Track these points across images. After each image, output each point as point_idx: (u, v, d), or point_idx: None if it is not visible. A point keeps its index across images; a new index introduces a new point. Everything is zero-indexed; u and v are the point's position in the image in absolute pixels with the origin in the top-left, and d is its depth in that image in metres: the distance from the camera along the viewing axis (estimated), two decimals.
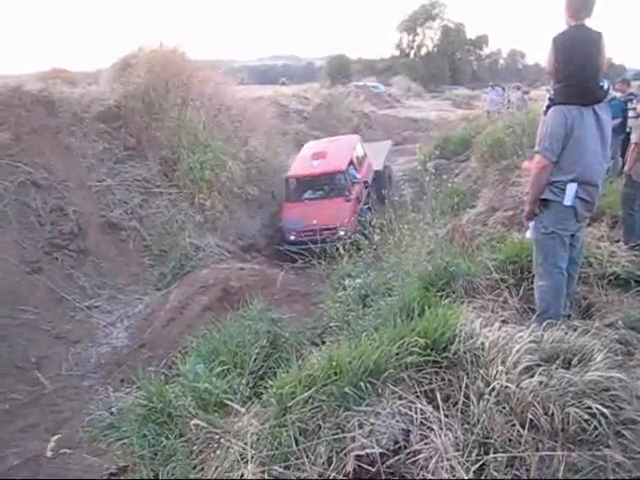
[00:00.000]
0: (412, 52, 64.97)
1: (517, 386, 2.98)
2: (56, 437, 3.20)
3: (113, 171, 11.46)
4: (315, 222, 11.71)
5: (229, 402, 3.33)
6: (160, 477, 3.07)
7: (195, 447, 3.18)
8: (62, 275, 9.18)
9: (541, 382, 3.02)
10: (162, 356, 6.98)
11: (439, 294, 4.34)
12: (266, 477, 2.74)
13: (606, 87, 3.90)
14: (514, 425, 2.90)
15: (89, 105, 12.25)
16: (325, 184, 13.08)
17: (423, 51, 64.79)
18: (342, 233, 10.36)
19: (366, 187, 13.40)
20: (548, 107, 3.91)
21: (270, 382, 3.26)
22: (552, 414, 2.90)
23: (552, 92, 3.90)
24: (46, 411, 6.56)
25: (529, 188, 4.07)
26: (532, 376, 3.04)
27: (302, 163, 13.92)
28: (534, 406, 2.92)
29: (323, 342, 4.61)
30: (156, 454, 3.23)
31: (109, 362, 7.79)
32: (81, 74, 16.23)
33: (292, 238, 12.11)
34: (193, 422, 3.22)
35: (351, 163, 13.41)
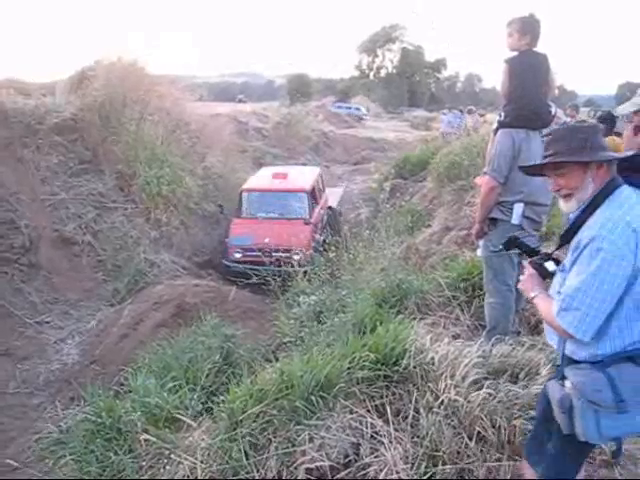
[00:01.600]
0: (372, 73, 66.01)
1: (465, 399, 3.05)
2: None
3: (67, 184, 11.24)
4: (267, 240, 10.47)
5: (180, 416, 3.29)
6: None
7: (144, 462, 3.14)
8: (11, 290, 8.93)
9: (489, 395, 3.10)
10: (114, 373, 6.83)
11: (392, 311, 4.41)
12: None
13: (554, 112, 4.06)
14: (462, 438, 2.97)
15: (44, 117, 12.01)
16: (284, 203, 11.72)
17: (382, 72, 65.91)
18: (297, 257, 9.61)
19: (324, 216, 12.26)
20: (497, 129, 4.05)
21: (222, 397, 3.24)
22: (499, 426, 2.98)
23: (502, 114, 4.04)
24: None
25: (479, 208, 4.19)
26: (480, 389, 3.12)
27: (260, 180, 12.74)
28: (481, 419, 3.00)
29: (276, 359, 4.60)
30: (104, 470, 3.17)
31: (59, 379, 7.57)
32: (35, 85, 15.92)
33: (237, 256, 10.68)
34: (143, 437, 3.18)
35: (313, 189, 12.18)
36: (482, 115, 23.10)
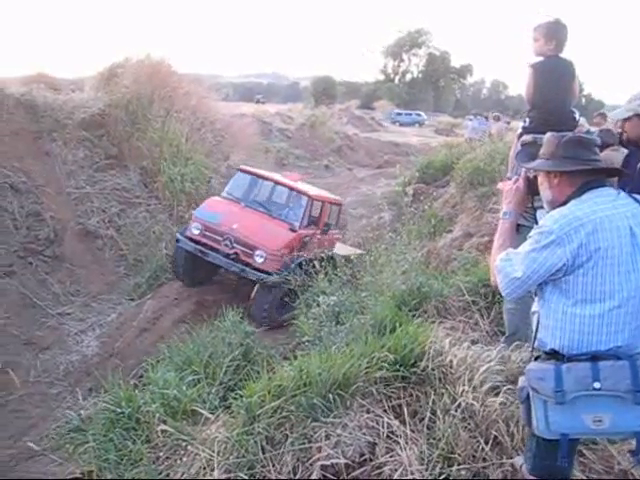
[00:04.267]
0: (397, 77, 65.86)
1: (482, 404, 3.05)
2: None
3: (93, 179, 11.42)
4: (235, 226, 8.83)
5: (198, 409, 3.34)
6: None
7: (162, 453, 3.18)
8: (35, 280, 9.09)
9: (506, 401, 3.10)
10: (133, 366, 6.94)
11: (411, 313, 4.41)
12: None
13: (577, 117, 4.04)
14: (478, 441, 2.97)
15: (72, 112, 12.22)
16: (279, 199, 10.06)
17: (407, 77, 65.75)
18: (259, 260, 8.45)
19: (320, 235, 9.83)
20: (521, 134, 4.03)
21: (240, 392, 3.28)
22: (514, 432, 2.98)
23: (527, 120, 4.02)
24: (11, 417, 6.46)
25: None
26: (497, 395, 3.12)
27: (267, 171, 11.07)
28: (498, 423, 3.00)
29: (295, 357, 4.63)
30: (122, 459, 3.22)
31: (78, 370, 7.69)
32: (65, 81, 16.14)
33: (195, 232, 9.03)
34: (160, 428, 3.22)
35: (319, 205, 10.12)
36: (507, 122, 22.94)
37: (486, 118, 21.86)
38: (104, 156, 12.00)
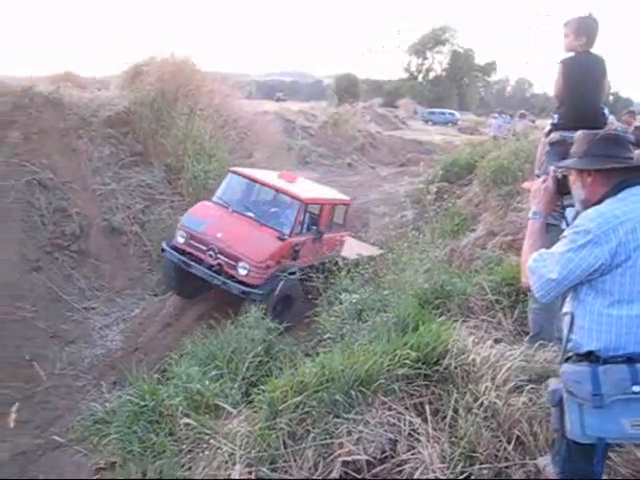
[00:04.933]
0: (420, 75, 65.46)
1: (505, 403, 3.03)
2: (16, 406, 3.21)
3: (118, 176, 11.55)
4: (219, 236, 8.14)
5: (221, 403, 3.37)
6: (148, 474, 3.10)
7: (184, 446, 3.22)
8: (61, 275, 9.23)
9: (529, 400, 3.08)
10: (155, 360, 7.02)
11: (434, 312, 4.40)
12: (253, 478, 2.77)
13: (607, 115, 3.98)
14: (500, 441, 2.96)
15: (98, 109, 12.39)
16: (269, 204, 9.15)
17: (431, 75, 65.29)
18: (243, 273, 7.78)
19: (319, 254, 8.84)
20: (550, 131, 3.98)
21: (262, 387, 3.30)
22: (538, 432, 2.96)
23: (556, 116, 3.96)
24: (38, 408, 6.58)
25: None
26: (521, 394, 3.10)
27: (262, 172, 10.04)
28: (521, 423, 2.98)
29: (317, 354, 4.65)
30: (145, 451, 3.26)
31: (102, 364, 7.81)
32: (91, 79, 16.36)
33: (180, 240, 8.46)
34: (183, 421, 3.26)
35: (315, 207, 9.46)
36: (533, 121, 22.72)
37: (511, 116, 21.71)
38: (129, 153, 12.13)
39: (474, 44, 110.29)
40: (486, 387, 3.09)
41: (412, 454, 2.89)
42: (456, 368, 3.23)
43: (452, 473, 2.79)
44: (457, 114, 46.40)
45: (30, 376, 7.01)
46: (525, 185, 5.52)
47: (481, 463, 2.85)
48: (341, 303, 5.64)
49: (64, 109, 11.68)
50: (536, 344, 3.69)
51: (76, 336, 8.33)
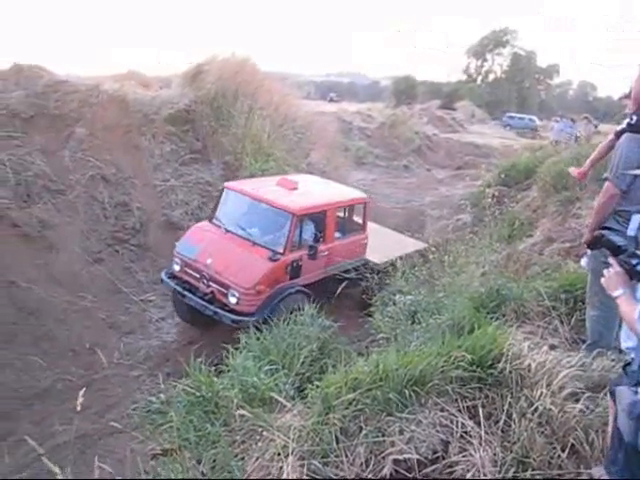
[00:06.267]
0: (479, 78, 64.47)
1: (560, 410, 3.00)
2: (82, 391, 3.32)
3: (177, 172, 11.83)
4: (209, 262, 7.57)
5: (276, 396, 3.43)
6: (203, 461, 3.19)
7: (238, 437, 3.30)
8: (121, 268, 9.52)
9: (585, 408, 3.03)
10: (209, 354, 7.16)
11: (489, 316, 4.37)
12: (305, 471, 2.83)
13: None
14: (554, 448, 2.93)
15: (160, 107, 12.70)
16: (261, 220, 8.20)
17: (490, 77, 64.22)
18: (233, 301, 7.21)
19: (311, 257, 7.85)
20: (622, 131, 3.81)
21: (317, 383, 3.35)
22: (593, 441, 2.91)
23: (634, 117, 3.78)
24: (96, 395, 6.82)
25: (593, 215, 4.00)
26: (577, 402, 3.06)
27: (259, 182, 9.29)
28: (576, 431, 2.94)
29: (369, 353, 4.67)
30: (200, 439, 3.36)
31: (157, 355, 8.02)
32: (154, 78, 16.78)
33: (176, 268, 8.06)
34: (238, 412, 3.34)
35: (313, 216, 8.36)
36: (596, 125, 22.09)
37: (572, 120, 21.15)
38: (189, 150, 12.40)
39: (536, 46, 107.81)
40: (541, 393, 3.07)
41: (463, 456, 2.89)
42: (511, 372, 3.20)
43: (504, 477, 2.78)
44: (537, 120, 43.61)
45: (90, 364, 7.28)
46: (571, 170, 5.42)
47: (533, 469, 2.83)
48: (395, 304, 5.65)
49: (128, 107, 12.03)
50: (594, 352, 3.63)
51: (133, 327, 8.59)
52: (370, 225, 10.21)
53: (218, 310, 7.26)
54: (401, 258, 8.34)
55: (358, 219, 9.55)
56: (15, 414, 6.40)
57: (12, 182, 8.98)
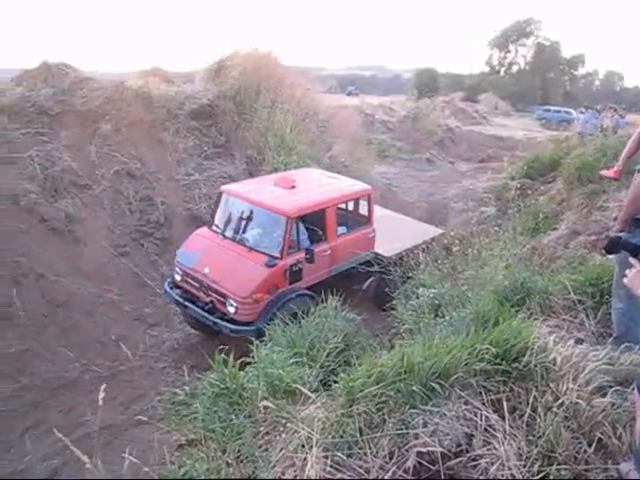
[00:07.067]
0: (502, 69, 63.69)
1: (587, 404, 2.97)
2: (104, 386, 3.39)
3: (201, 167, 11.95)
4: (207, 271, 7.43)
5: (300, 388, 3.45)
6: (227, 451, 3.23)
7: (262, 428, 3.33)
8: (146, 261, 9.67)
9: (613, 403, 3.00)
10: (232, 347, 7.22)
11: (513, 309, 4.34)
12: (329, 462, 2.84)
13: None
14: (581, 442, 2.90)
15: (183, 103, 12.84)
16: (257, 224, 7.95)
17: (514, 69, 63.41)
18: (232, 310, 7.07)
19: (309, 260, 7.56)
20: None
21: (341, 375, 3.36)
22: (621, 436, 2.88)
23: None
24: (122, 386, 6.96)
25: (625, 206, 3.94)
26: (604, 396, 3.03)
27: (256, 183, 8.97)
28: (604, 426, 2.91)
29: (392, 347, 4.68)
30: (225, 430, 3.39)
31: (182, 347, 8.15)
32: (177, 74, 16.91)
33: (177, 278, 7.97)
34: (262, 404, 3.37)
35: (312, 217, 7.98)
36: (622, 116, 21.72)
37: (598, 111, 20.83)
38: (212, 145, 12.53)
39: (560, 36, 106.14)
40: (567, 387, 3.04)
41: (487, 449, 2.88)
42: (536, 366, 3.18)
43: (529, 471, 2.77)
44: (574, 112, 41.68)
45: (116, 355, 7.41)
46: (603, 172, 5.36)
47: (559, 463, 2.80)
48: (418, 297, 5.64)
49: (152, 102, 12.18)
50: (621, 346, 3.58)
51: (158, 320, 8.73)
52: (384, 213, 10.35)
53: (217, 320, 7.16)
54: (416, 248, 8.25)
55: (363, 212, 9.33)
56: (44, 404, 6.57)
57: (40, 177, 9.17)
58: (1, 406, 6.39)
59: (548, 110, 42.67)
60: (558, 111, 41.74)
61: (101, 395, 3.30)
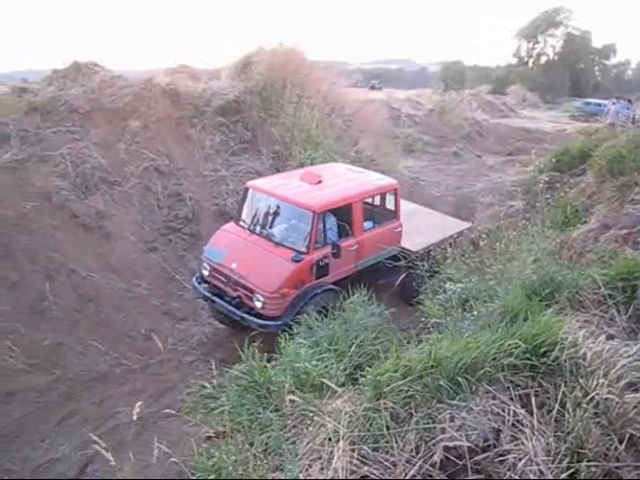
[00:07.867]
0: (530, 61, 62.66)
1: (619, 400, 2.93)
2: (139, 403, 3.45)
3: (228, 162, 12.00)
4: (234, 266, 7.45)
5: (327, 382, 3.48)
6: (255, 444, 3.27)
7: (289, 421, 3.37)
8: (175, 256, 9.76)
9: None
10: (260, 342, 7.27)
11: (542, 303, 4.29)
12: (355, 456, 2.86)
13: None
14: (611, 439, 2.87)
15: (210, 99, 12.91)
16: (284, 219, 7.94)
17: (542, 60, 62.32)
18: (259, 305, 7.10)
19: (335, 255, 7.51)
20: None
21: (368, 369, 3.37)
22: None
23: None
24: (151, 379, 7.07)
25: None
26: (636, 392, 2.99)
27: (282, 178, 9.01)
28: (636, 422, 2.87)
29: (419, 341, 4.66)
30: (252, 423, 3.43)
31: (210, 341, 8.22)
32: (204, 70, 17.02)
33: (205, 273, 8.02)
34: (290, 397, 3.40)
35: (337, 212, 7.99)
36: None
37: (629, 101, 20.39)
38: (239, 141, 12.57)
39: (591, 26, 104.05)
40: (597, 383, 3.00)
41: (515, 445, 2.87)
42: (565, 361, 3.15)
43: (557, 467, 2.75)
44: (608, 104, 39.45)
45: (146, 349, 7.51)
46: None
47: (589, 460, 2.78)
48: (445, 292, 5.60)
49: (179, 99, 12.28)
50: None
51: (187, 314, 8.81)
52: (411, 207, 10.32)
53: (244, 315, 7.22)
54: (443, 242, 8.28)
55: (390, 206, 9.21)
56: (77, 396, 6.71)
57: (71, 174, 9.34)
58: (37, 397, 6.54)
59: (589, 103, 40.37)
60: (598, 104, 38.28)
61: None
